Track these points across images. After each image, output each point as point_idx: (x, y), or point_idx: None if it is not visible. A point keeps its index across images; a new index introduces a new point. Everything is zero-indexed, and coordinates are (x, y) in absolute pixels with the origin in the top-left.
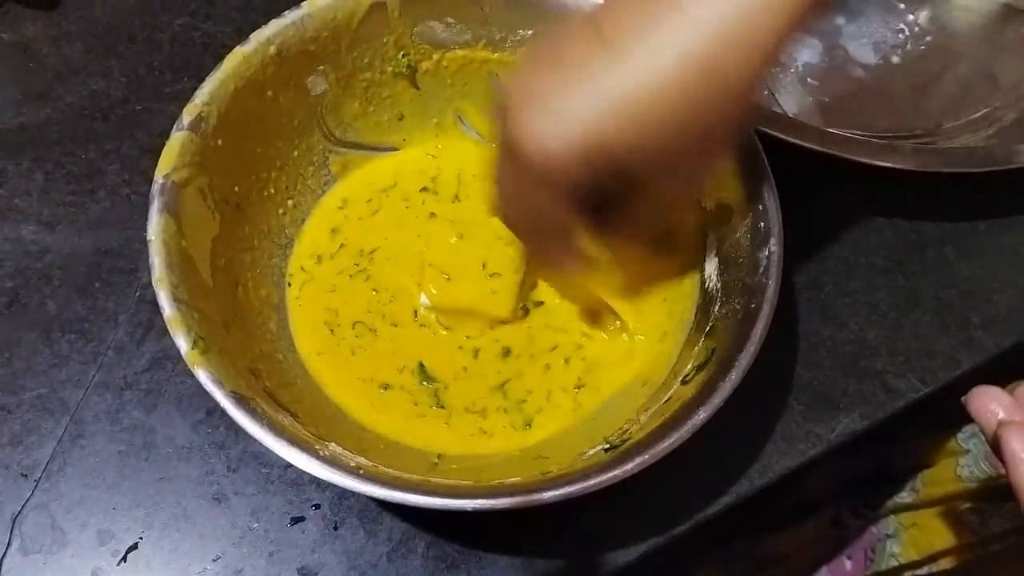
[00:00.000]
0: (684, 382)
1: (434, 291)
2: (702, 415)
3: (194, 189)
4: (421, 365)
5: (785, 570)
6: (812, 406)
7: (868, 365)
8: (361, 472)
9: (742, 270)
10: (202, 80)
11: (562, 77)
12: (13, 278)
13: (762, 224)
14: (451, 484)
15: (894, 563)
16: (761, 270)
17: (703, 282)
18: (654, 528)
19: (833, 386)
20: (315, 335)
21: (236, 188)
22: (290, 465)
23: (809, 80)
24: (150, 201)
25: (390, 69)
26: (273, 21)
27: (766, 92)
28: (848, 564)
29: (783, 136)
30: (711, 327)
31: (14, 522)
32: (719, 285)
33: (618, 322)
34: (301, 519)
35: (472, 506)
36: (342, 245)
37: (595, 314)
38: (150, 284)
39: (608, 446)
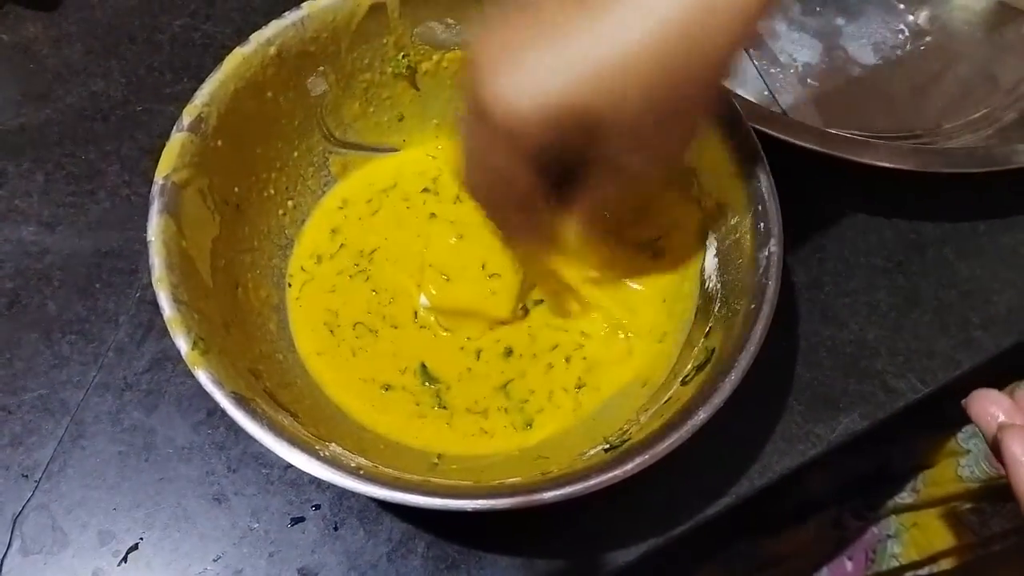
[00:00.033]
0: (684, 382)
1: (434, 292)
2: (702, 415)
3: (194, 190)
4: (423, 366)
5: (785, 571)
6: (812, 406)
7: (868, 365)
8: (361, 472)
9: (742, 270)
10: (202, 81)
11: (535, 36)
12: (13, 279)
13: (762, 224)
14: (451, 484)
15: (895, 564)
16: (761, 270)
17: (703, 283)
18: (654, 528)
19: (833, 386)
20: (315, 336)
21: (236, 189)
22: (290, 465)
23: (809, 80)
24: (150, 202)
25: (390, 70)
26: (273, 22)
27: (766, 92)
28: (849, 565)
29: (783, 136)
30: (711, 328)
31: (15, 523)
32: (719, 286)
33: (579, 306)
34: (301, 519)
35: (472, 506)
36: (342, 245)
37: (558, 297)
38: (150, 285)
39: (608, 446)
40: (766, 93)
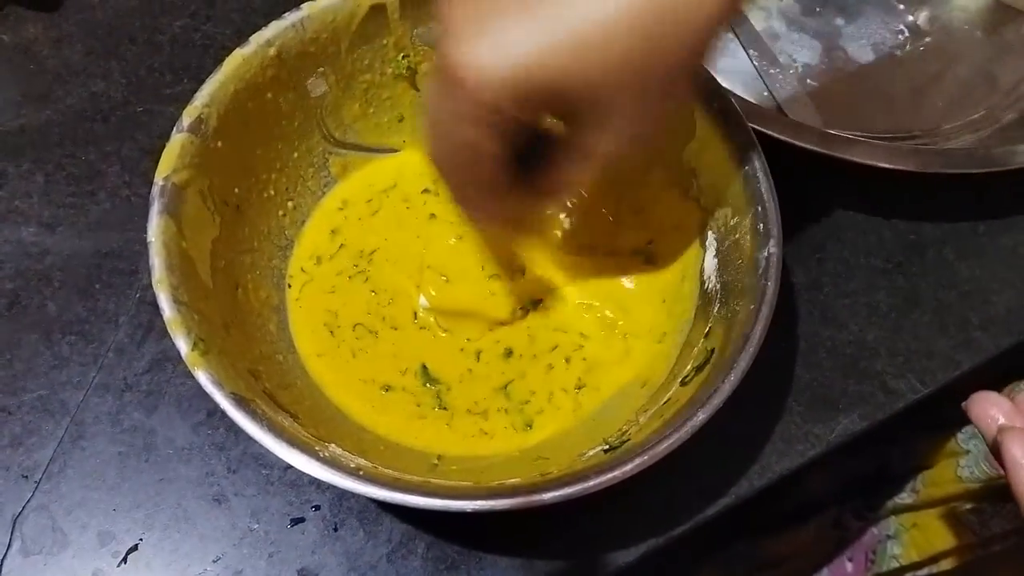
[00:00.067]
0: (683, 383)
1: (433, 293)
2: (701, 416)
3: (194, 191)
4: (424, 367)
5: (785, 572)
6: (811, 407)
7: (867, 366)
8: (361, 473)
9: (742, 271)
10: (202, 82)
11: (506, 3)
12: (13, 280)
13: (762, 225)
14: (451, 485)
15: (895, 564)
16: (760, 271)
17: (702, 283)
18: (654, 529)
19: (832, 387)
20: (315, 336)
21: (236, 190)
22: (290, 466)
23: (809, 81)
24: (150, 203)
25: (390, 71)
26: (273, 23)
27: (765, 93)
28: (849, 566)
29: (783, 137)
30: (710, 328)
31: (15, 523)
32: (719, 286)
33: (522, 277)
34: (301, 520)
35: (472, 507)
36: (342, 246)
37: (508, 264)
38: (150, 286)
39: (608, 447)
40: (766, 93)
